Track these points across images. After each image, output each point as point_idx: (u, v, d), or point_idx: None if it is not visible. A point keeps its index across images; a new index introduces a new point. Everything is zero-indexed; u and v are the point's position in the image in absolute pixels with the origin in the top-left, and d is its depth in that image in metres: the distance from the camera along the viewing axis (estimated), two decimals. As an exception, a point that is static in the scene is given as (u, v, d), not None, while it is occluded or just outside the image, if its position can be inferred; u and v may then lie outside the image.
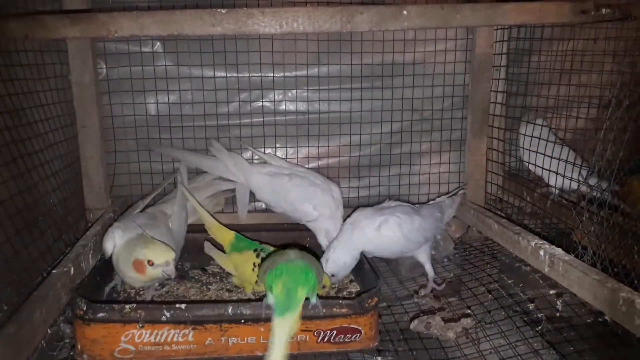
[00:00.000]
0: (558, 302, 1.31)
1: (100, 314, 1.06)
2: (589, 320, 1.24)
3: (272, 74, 1.74)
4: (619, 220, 1.27)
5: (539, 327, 1.23)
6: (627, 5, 1.31)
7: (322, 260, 1.34)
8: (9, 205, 1.18)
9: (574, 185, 1.42)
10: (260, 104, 1.78)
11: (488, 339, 1.19)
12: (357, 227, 1.38)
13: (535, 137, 1.57)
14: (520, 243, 1.37)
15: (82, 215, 1.63)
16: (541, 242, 1.31)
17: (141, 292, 1.35)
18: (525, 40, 1.68)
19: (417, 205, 1.55)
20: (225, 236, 1.42)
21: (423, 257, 1.46)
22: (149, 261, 1.18)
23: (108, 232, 1.28)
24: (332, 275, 1.35)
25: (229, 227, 1.45)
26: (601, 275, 1.11)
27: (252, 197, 1.69)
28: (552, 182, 1.62)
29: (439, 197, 1.71)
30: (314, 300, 1.10)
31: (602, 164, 1.26)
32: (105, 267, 1.31)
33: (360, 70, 1.76)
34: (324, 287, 1.31)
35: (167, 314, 1.07)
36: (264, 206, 1.76)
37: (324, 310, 1.10)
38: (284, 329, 0.97)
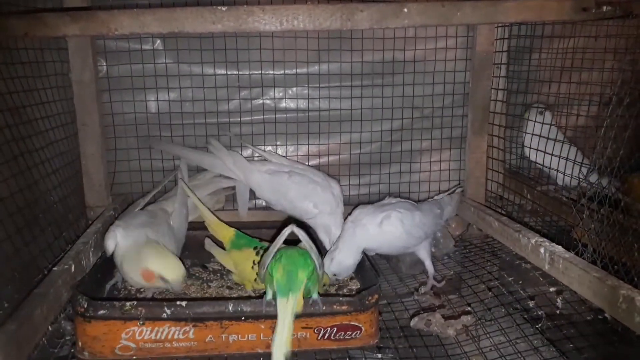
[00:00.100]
0: (558, 300, 1.31)
1: (101, 311, 1.07)
2: (589, 318, 1.24)
3: (272, 72, 1.74)
4: (619, 217, 1.27)
5: (539, 325, 1.23)
6: (628, 2, 1.31)
7: (327, 259, 1.34)
8: (10, 203, 1.18)
9: (581, 183, 1.42)
10: (261, 101, 1.78)
11: (488, 336, 1.20)
12: (359, 224, 1.38)
13: (542, 136, 1.55)
14: (521, 240, 1.37)
15: (82, 212, 1.63)
16: (541, 240, 1.31)
17: (142, 290, 1.36)
18: (526, 37, 1.68)
19: (416, 202, 1.55)
20: (225, 233, 1.42)
21: (423, 253, 1.46)
22: (160, 275, 1.19)
23: (109, 231, 1.28)
24: (334, 275, 1.35)
25: (230, 224, 1.45)
26: (601, 272, 1.11)
27: (252, 194, 1.69)
28: (559, 180, 1.62)
29: (438, 195, 1.71)
30: (315, 295, 1.10)
31: (603, 161, 1.26)
32: (106, 264, 1.31)
33: (360, 68, 1.76)
34: (323, 285, 1.31)
35: (168, 311, 1.07)
36: (264, 204, 1.76)
37: (324, 307, 1.11)
38: (287, 309, 1.02)
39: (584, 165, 1.42)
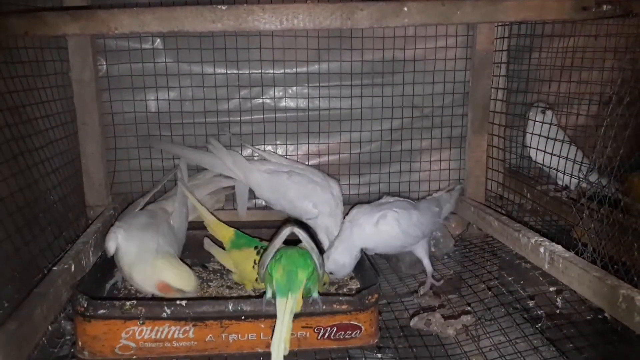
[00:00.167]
0: (558, 299, 1.31)
1: (101, 311, 1.07)
2: (588, 317, 1.24)
3: (272, 71, 1.74)
4: (619, 217, 1.27)
5: (539, 324, 1.23)
6: (628, 1, 1.30)
7: (325, 257, 1.34)
8: (9, 203, 1.18)
9: (581, 183, 1.42)
10: (261, 100, 1.78)
11: (488, 336, 1.20)
12: (356, 224, 1.38)
13: (544, 136, 1.55)
14: (521, 240, 1.37)
15: (82, 212, 1.63)
16: (541, 239, 1.31)
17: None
18: (526, 37, 1.68)
19: (415, 201, 1.55)
20: (225, 233, 1.42)
21: (421, 252, 1.46)
22: (178, 288, 1.20)
23: (110, 232, 1.27)
24: (331, 273, 1.35)
25: (229, 224, 1.45)
26: (601, 272, 1.11)
27: (252, 194, 1.69)
28: (560, 180, 1.62)
29: (437, 192, 1.71)
30: (315, 295, 1.10)
31: (603, 160, 1.26)
32: (106, 264, 1.31)
33: (360, 67, 1.76)
34: (324, 284, 1.31)
35: (168, 311, 1.07)
36: (263, 203, 1.76)
37: (324, 307, 1.11)
38: (287, 309, 1.02)
39: (583, 164, 1.42)
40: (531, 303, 1.32)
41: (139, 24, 1.26)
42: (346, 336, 1.13)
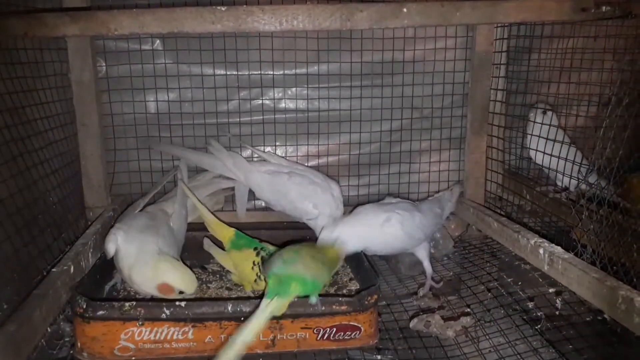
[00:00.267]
0: (557, 301, 1.31)
1: (100, 312, 1.07)
2: (588, 319, 1.24)
3: (271, 72, 1.74)
4: (619, 218, 1.27)
5: (539, 326, 1.23)
6: (627, 2, 1.31)
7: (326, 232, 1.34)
8: (9, 204, 1.18)
9: (580, 184, 1.42)
10: (260, 102, 1.78)
11: (487, 337, 1.20)
12: (361, 222, 1.38)
13: (547, 138, 1.54)
14: (520, 241, 1.37)
15: (81, 213, 1.63)
16: (540, 241, 1.31)
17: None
18: (526, 38, 1.68)
19: (416, 202, 1.55)
20: (225, 233, 1.42)
21: (422, 253, 1.46)
22: (180, 290, 1.20)
23: (110, 234, 1.27)
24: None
25: (229, 225, 1.45)
26: (600, 273, 1.11)
27: (252, 195, 1.69)
28: (559, 181, 1.62)
29: (438, 192, 1.71)
30: (313, 299, 1.10)
31: (602, 161, 1.26)
32: (105, 265, 1.31)
33: (360, 68, 1.76)
34: (323, 285, 1.31)
35: (167, 312, 1.07)
36: (263, 204, 1.76)
37: (323, 308, 1.10)
38: (267, 309, 1.02)
39: (583, 165, 1.42)
40: (530, 304, 1.32)
41: (138, 25, 1.26)
42: (345, 337, 1.13)
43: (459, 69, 1.78)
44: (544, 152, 1.52)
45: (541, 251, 1.28)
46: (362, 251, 1.39)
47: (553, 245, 1.28)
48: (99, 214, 1.60)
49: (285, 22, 1.29)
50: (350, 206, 1.51)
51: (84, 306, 1.06)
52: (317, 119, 1.79)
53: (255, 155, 1.76)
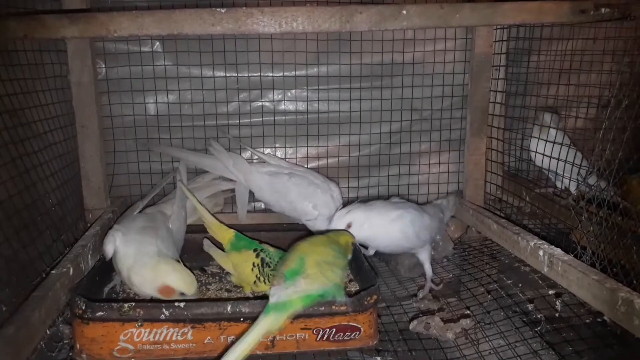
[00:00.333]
0: (557, 303, 1.30)
1: (99, 313, 1.06)
2: (588, 321, 1.24)
3: (271, 74, 1.74)
4: (618, 220, 1.27)
5: (538, 328, 1.22)
6: (626, 4, 1.31)
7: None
8: (8, 206, 1.18)
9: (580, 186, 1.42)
10: (260, 103, 1.78)
11: (487, 339, 1.19)
12: (373, 213, 1.39)
13: (552, 142, 1.52)
14: (520, 243, 1.37)
15: (81, 215, 1.63)
16: (540, 242, 1.31)
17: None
18: (525, 39, 1.69)
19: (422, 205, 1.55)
20: (225, 235, 1.41)
21: (424, 255, 1.46)
22: (181, 291, 1.19)
23: (108, 235, 1.27)
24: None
25: (229, 227, 1.45)
26: (600, 275, 1.11)
27: (252, 197, 1.69)
28: (559, 184, 1.61)
29: (437, 197, 1.71)
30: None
31: (601, 163, 1.26)
32: (105, 267, 1.31)
33: (359, 70, 1.76)
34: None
35: (166, 313, 1.07)
36: (263, 206, 1.76)
37: (322, 308, 1.10)
38: (262, 326, 1.00)
39: (582, 167, 1.42)
40: (530, 306, 1.32)
41: (138, 26, 1.26)
42: (345, 338, 1.13)
43: (458, 71, 1.78)
44: (550, 157, 1.50)
45: (541, 253, 1.28)
46: (362, 252, 1.39)
47: (553, 247, 1.28)
48: (99, 215, 1.60)
49: (285, 24, 1.29)
50: (350, 208, 1.51)
51: (83, 307, 1.06)
52: (316, 121, 1.79)
53: (255, 157, 1.76)
